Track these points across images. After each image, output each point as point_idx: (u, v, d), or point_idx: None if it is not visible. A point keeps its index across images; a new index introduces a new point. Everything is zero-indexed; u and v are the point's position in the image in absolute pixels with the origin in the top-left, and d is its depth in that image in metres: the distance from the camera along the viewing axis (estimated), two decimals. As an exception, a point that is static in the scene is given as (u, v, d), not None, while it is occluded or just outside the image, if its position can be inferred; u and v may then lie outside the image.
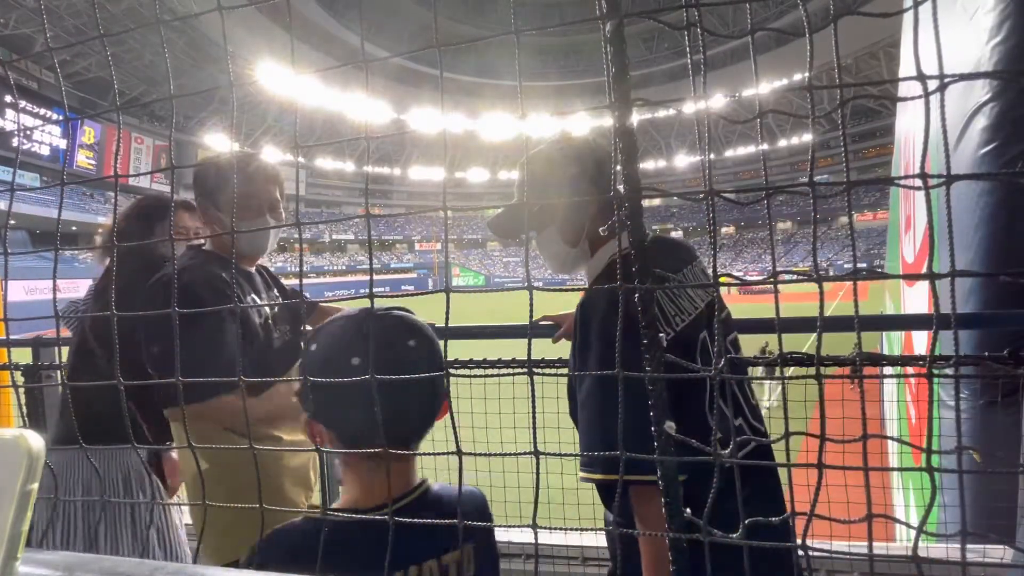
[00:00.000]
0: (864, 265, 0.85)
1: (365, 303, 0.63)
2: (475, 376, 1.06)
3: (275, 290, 1.66)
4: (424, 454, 0.62)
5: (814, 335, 0.50)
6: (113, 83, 0.64)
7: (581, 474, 0.97)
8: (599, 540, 1.95)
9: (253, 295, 1.51)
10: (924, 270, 0.46)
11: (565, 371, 1.55)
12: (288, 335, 1.55)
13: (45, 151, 32.36)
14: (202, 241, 1.54)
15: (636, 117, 0.51)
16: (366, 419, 0.66)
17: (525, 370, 0.57)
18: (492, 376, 0.73)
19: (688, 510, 0.54)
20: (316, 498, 1.56)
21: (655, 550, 0.93)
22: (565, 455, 0.57)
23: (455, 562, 0.78)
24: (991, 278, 2.23)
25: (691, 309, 1.09)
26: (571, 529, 0.59)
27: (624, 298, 0.52)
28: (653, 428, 0.53)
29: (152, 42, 30.98)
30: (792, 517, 0.52)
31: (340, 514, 0.74)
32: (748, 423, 1.13)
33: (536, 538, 0.55)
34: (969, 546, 1.82)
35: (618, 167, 0.52)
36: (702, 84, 0.50)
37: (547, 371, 1.54)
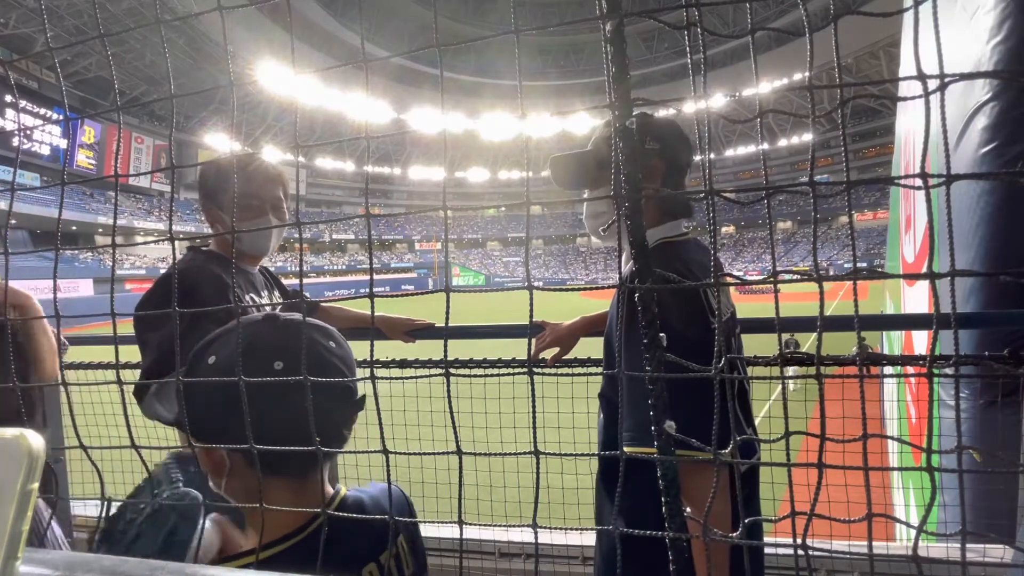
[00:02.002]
0: (864, 265, 0.85)
1: (365, 303, 0.63)
2: (475, 376, 1.06)
3: (277, 291, 1.66)
4: (424, 454, 0.62)
5: (814, 335, 0.50)
6: (113, 83, 0.64)
7: (627, 448, 0.98)
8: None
9: (252, 295, 1.51)
10: (924, 270, 0.46)
11: (565, 371, 1.56)
12: None
13: (45, 151, 32.40)
14: (204, 241, 1.55)
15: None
16: (287, 432, 0.63)
17: (525, 370, 0.58)
18: (492, 376, 0.73)
19: (688, 509, 0.54)
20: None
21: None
22: (565, 455, 0.57)
23: (393, 557, 0.76)
24: (991, 278, 2.23)
25: (728, 308, 1.16)
26: (571, 529, 0.59)
27: (686, 289, 0.53)
28: (654, 427, 0.53)
29: (152, 42, 30.99)
30: (792, 517, 0.52)
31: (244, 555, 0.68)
32: (751, 424, 1.18)
33: (536, 538, 0.55)
34: (969, 546, 1.82)
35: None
36: (702, 84, 0.50)
37: (547, 371, 1.54)
